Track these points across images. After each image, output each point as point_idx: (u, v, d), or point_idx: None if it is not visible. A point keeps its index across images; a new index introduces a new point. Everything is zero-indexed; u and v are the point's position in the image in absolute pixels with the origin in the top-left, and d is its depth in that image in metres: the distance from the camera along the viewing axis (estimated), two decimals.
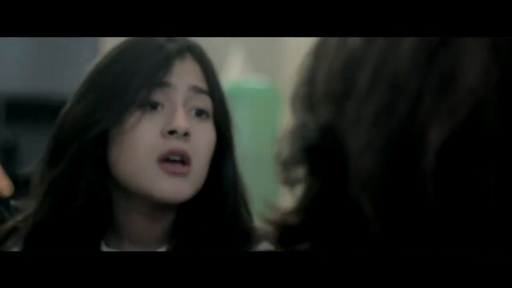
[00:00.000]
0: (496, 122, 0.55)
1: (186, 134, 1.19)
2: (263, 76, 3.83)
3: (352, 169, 0.59)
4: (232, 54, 3.83)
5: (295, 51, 4.10)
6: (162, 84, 1.21)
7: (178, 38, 1.25)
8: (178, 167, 1.20)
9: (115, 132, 1.21)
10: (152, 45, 1.23)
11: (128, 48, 1.24)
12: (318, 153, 0.62)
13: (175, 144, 1.19)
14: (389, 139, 0.57)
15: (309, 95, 0.63)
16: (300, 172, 0.64)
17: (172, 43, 1.24)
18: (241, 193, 1.29)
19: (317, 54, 0.63)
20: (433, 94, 0.56)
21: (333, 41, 0.62)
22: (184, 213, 1.24)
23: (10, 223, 1.29)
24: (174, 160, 1.20)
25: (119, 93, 1.21)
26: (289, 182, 0.65)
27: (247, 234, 1.27)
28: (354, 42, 0.60)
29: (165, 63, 1.22)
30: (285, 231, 0.65)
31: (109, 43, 1.28)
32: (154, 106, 1.21)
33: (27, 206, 1.29)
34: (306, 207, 0.64)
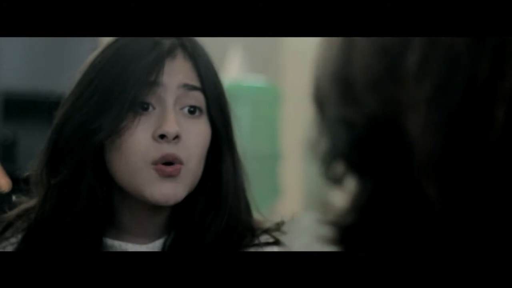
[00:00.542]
0: None
1: (176, 137, 1.20)
2: (262, 76, 3.83)
3: (416, 154, 0.56)
4: (231, 54, 3.83)
5: (294, 51, 4.09)
6: (152, 85, 1.21)
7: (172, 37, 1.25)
8: (169, 168, 1.20)
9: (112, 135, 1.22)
10: (144, 46, 1.23)
11: (122, 50, 1.23)
12: (370, 144, 0.59)
13: (166, 148, 1.20)
14: (451, 117, 0.55)
15: (346, 88, 0.60)
16: (342, 167, 0.61)
17: (164, 42, 1.24)
18: (241, 187, 1.29)
19: (346, 46, 0.61)
20: (493, 69, 0.54)
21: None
22: (181, 206, 1.25)
23: (9, 215, 1.30)
24: (167, 163, 1.21)
25: (116, 98, 1.20)
26: (332, 179, 0.63)
27: (245, 227, 1.28)
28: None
29: (156, 63, 1.21)
30: (343, 231, 0.62)
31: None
32: (145, 107, 1.21)
33: (26, 202, 1.31)
34: (363, 204, 0.61)
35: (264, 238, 1.28)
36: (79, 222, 1.23)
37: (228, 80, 3.62)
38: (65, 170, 1.23)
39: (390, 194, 0.58)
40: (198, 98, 1.24)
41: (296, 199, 3.88)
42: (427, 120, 0.55)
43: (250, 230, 1.28)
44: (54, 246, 1.24)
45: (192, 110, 1.23)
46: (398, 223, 0.58)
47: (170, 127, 1.19)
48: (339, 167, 0.61)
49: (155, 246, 1.26)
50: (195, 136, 1.22)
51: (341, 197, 0.63)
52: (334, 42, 0.62)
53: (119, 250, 1.26)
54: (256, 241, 1.27)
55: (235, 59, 3.82)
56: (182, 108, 1.23)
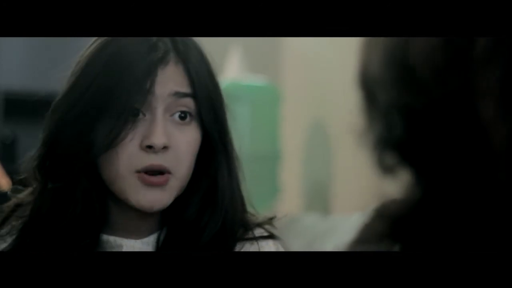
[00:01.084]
0: None
1: (164, 147, 1.20)
2: (261, 75, 3.83)
3: (492, 141, 0.53)
4: (231, 54, 3.83)
5: (293, 51, 4.09)
6: (145, 95, 1.20)
7: (166, 38, 1.24)
8: (156, 179, 1.20)
9: None
10: (136, 53, 1.22)
11: (115, 58, 1.22)
12: (431, 133, 0.56)
13: (152, 159, 1.20)
14: None
15: (404, 72, 0.56)
16: (395, 156, 0.58)
17: (158, 48, 1.23)
18: (237, 188, 1.29)
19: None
20: None
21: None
22: (174, 205, 1.25)
23: (3, 210, 1.31)
24: (153, 172, 1.21)
25: (110, 111, 1.20)
26: (384, 168, 0.59)
27: (240, 223, 1.28)
28: None
29: (149, 73, 1.21)
30: (397, 225, 0.59)
31: None
32: (135, 113, 1.21)
33: (19, 196, 1.31)
34: (419, 197, 0.57)
35: (259, 232, 1.29)
36: (75, 225, 1.24)
37: (228, 80, 3.61)
38: (58, 177, 1.23)
39: (452, 186, 0.55)
40: (188, 104, 1.23)
41: (296, 199, 3.88)
42: (502, 106, 0.52)
43: (243, 224, 1.28)
44: (49, 247, 1.24)
45: (183, 116, 1.23)
46: (459, 220, 0.55)
47: (158, 139, 1.19)
48: (392, 156, 0.58)
49: (149, 240, 1.27)
50: (185, 145, 1.22)
51: (395, 188, 0.60)
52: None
53: (113, 245, 1.27)
54: (251, 235, 1.28)
55: (235, 59, 3.82)
56: (172, 115, 1.22)
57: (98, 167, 1.23)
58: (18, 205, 1.31)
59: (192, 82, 1.23)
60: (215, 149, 1.26)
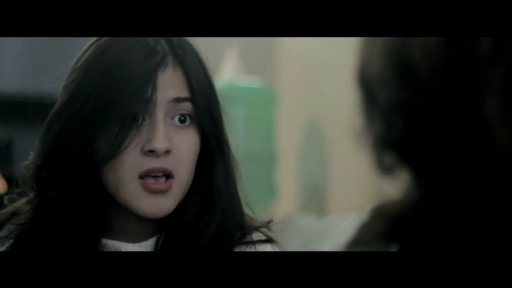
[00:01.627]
0: None
1: (166, 151, 1.20)
2: (257, 77, 3.83)
3: (497, 140, 0.52)
4: (227, 55, 3.83)
5: (289, 52, 4.09)
6: (146, 102, 1.20)
7: (163, 42, 1.24)
8: (159, 184, 1.20)
9: None
10: (135, 57, 1.22)
11: (114, 63, 1.22)
12: (433, 132, 0.55)
13: (155, 163, 1.20)
14: None
15: (405, 71, 0.56)
16: (394, 156, 0.57)
17: (156, 51, 1.22)
18: (234, 190, 1.29)
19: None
20: None
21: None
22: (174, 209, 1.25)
23: (1, 216, 1.31)
24: (156, 176, 1.20)
25: (112, 119, 1.20)
26: (383, 168, 0.59)
27: (237, 227, 1.28)
28: None
29: (149, 79, 1.20)
30: (397, 225, 0.58)
31: None
32: (136, 119, 1.21)
33: (16, 203, 1.31)
34: (419, 197, 0.57)
35: (256, 235, 1.29)
36: (75, 232, 1.23)
37: (223, 81, 3.61)
38: (59, 187, 1.23)
39: (453, 186, 0.55)
40: (187, 108, 1.24)
41: (292, 200, 3.88)
42: (505, 106, 0.51)
43: (241, 228, 1.29)
44: (49, 250, 1.24)
45: (183, 119, 1.23)
46: (458, 220, 0.54)
47: (160, 144, 1.19)
48: (391, 156, 0.57)
49: (148, 244, 1.27)
50: (186, 148, 1.23)
51: (394, 188, 0.59)
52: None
53: (112, 248, 1.27)
54: (248, 238, 1.28)
55: (230, 60, 3.81)
56: (172, 118, 1.22)
57: (100, 175, 1.22)
58: (13, 214, 1.31)
59: (190, 86, 1.24)
60: (213, 152, 1.27)
